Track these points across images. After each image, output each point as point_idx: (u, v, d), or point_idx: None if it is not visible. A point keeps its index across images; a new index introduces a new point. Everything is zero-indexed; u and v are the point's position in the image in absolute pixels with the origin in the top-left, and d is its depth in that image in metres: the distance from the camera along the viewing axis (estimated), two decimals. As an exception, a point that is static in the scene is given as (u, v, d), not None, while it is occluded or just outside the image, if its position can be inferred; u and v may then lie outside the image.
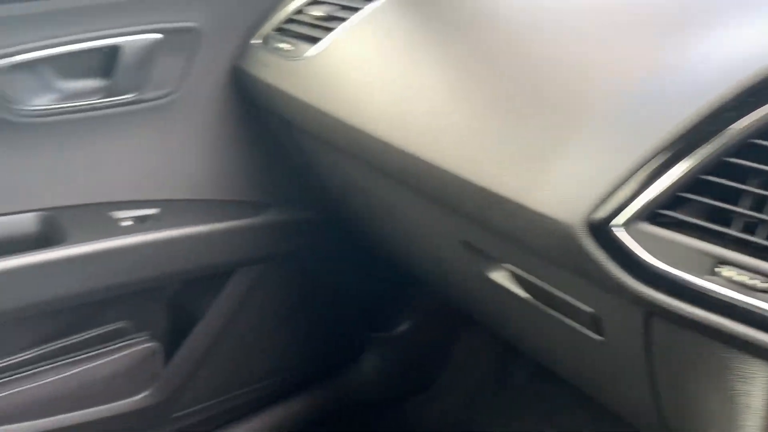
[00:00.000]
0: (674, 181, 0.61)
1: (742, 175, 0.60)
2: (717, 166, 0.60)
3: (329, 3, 1.06)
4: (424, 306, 1.47)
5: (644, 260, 0.62)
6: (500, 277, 0.87)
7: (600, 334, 0.76)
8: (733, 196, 0.60)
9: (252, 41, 1.10)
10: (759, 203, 0.59)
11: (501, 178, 0.72)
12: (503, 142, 0.74)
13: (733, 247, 0.59)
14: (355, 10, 1.01)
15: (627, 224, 0.63)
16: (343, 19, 1.02)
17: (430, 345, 1.53)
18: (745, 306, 0.57)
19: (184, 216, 1.08)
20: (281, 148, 1.14)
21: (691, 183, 0.61)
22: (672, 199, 0.62)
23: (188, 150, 1.06)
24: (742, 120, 0.60)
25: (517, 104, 0.76)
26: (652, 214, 0.63)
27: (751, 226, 0.59)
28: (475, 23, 0.88)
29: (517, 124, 0.74)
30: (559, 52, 0.78)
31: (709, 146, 0.60)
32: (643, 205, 0.62)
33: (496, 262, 0.86)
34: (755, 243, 0.57)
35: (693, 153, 0.61)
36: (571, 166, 0.68)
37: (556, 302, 0.79)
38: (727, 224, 0.59)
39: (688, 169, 0.61)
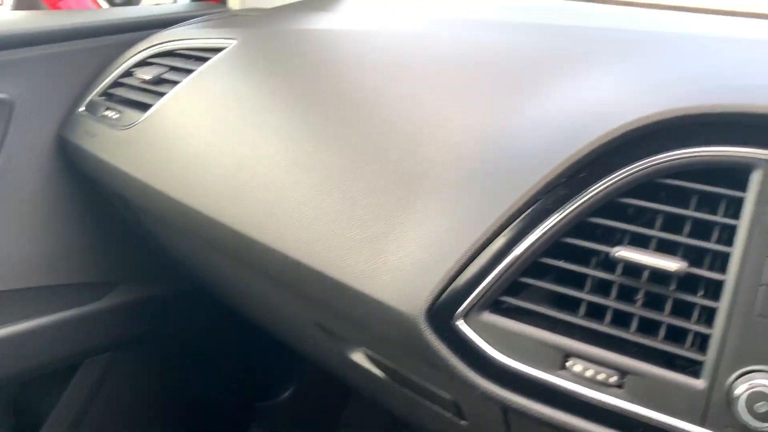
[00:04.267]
0: (514, 265, 0.55)
1: (585, 256, 0.54)
2: (556, 247, 0.55)
3: (159, 64, 0.97)
4: (309, 369, 1.38)
5: (489, 355, 0.56)
6: (359, 357, 0.80)
7: (463, 419, 0.70)
8: (579, 278, 0.55)
9: (78, 109, 0.99)
10: (603, 286, 0.54)
11: (339, 262, 0.65)
12: (341, 222, 0.67)
13: (581, 336, 0.54)
14: (188, 72, 0.92)
15: (468, 315, 0.57)
16: (174, 83, 0.92)
17: (319, 409, 1.44)
18: (597, 404, 0.51)
19: (14, 310, 0.95)
20: (122, 222, 1.03)
21: (532, 266, 0.55)
22: (514, 284, 0.56)
23: (14, 230, 0.94)
24: (579, 197, 0.54)
25: (356, 178, 0.69)
26: (495, 302, 0.56)
27: (600, 310, 0.53)
28: (311, 87, 0.81)
29: (355, 201, 0.67)
30: (403, 116, 0.72)
31: (545, 225, 0.55)
32: (484, 293, 0.56)
33: (351, 344, 0.78)
34: (602, 332, 0.52)
35: (530, 233, 0.55)
36: (408, 250, 0.61)
37: (416, 387, 0.72)
38: (577, 308, 0.54)
39: (528, 251, 0.55)
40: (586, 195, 0.54)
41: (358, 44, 0.85)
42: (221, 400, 1.32)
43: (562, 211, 0.54)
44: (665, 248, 0.53)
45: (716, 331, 0.50)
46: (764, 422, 0.48)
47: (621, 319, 0.54)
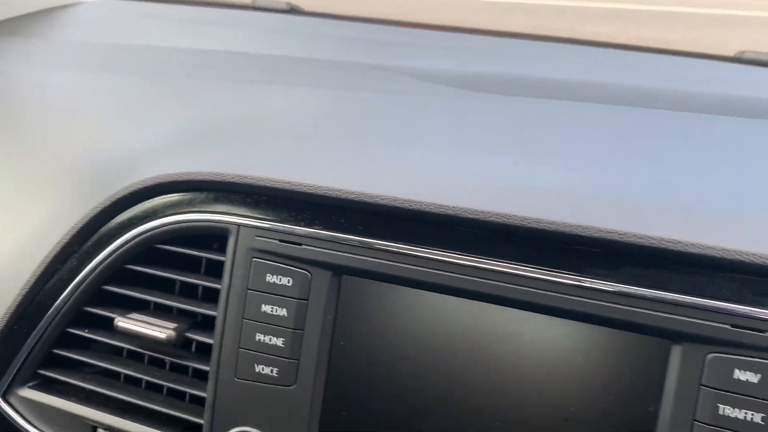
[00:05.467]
0: (43, 335, 0.55)
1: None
2: (81, 314, 0.54)
3: None
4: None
5: (26, 430, 0.54)
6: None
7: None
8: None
9: None
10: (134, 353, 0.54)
11: None
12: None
13: (114, 406, 0.54)
14: None
15: (9, 390, 0.56)
16: None
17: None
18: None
19: None
20: None
21: (62, 336, 0.55)
22: (50, 355, 0.55)
23: None
24: (88, 262, 0.54)
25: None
26: (34, 375, 0.55)
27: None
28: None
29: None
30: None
31: (65, 292, 0.54)
32: (20, 367, 0.55)
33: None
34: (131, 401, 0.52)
35: (56, 299, 0.54)
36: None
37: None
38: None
39: (52, 319, 0.55)
40: (95, 260, 0.53)
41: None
42: None
43: (76, 277, 0.54)
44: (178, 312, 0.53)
45: (209, 395, 0.51)
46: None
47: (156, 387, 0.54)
